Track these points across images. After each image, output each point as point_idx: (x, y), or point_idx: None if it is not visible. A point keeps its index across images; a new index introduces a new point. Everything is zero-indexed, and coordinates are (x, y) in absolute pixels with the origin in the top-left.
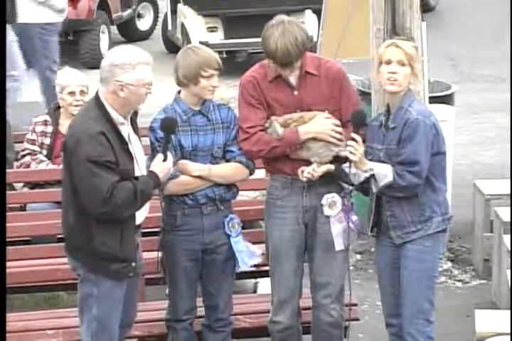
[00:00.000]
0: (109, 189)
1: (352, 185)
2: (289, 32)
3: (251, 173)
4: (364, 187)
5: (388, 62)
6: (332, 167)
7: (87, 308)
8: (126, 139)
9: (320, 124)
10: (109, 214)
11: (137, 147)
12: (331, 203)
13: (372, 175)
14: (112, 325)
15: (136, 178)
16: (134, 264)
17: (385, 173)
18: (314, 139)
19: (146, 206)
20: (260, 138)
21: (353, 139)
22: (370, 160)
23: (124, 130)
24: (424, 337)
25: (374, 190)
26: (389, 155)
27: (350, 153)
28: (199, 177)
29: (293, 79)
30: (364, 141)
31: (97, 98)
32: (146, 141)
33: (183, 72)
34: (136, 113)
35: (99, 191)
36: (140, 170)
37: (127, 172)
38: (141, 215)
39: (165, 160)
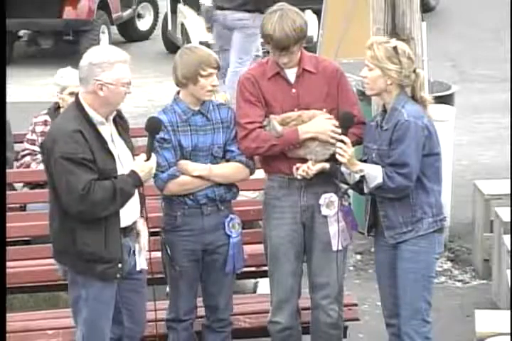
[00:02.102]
0: (86, 186)
1: (347, 184)
2: (287, 16)
3: (251, 173)
4: (360, 186)
5: None
6: (327, 165)
7: (78, 311)
8: (106, 139)
9: (320, 124)
10: (87, 212)
11: (122, 148)
12: (329, 203)
13: (363, 176)
14: (101, 327)
15: (116, 177)
16: (120, 265)
17: (375, 175)
18: (312, 138)
19: (135, 206)
20: (259, 135)
21: (342, 141)
22: (366, 160)
23: (105, 130)
24: (422, 338)
25: (365, 190)
26: (380, 156)
27: (339, 154)
28: (199, 177)
29: (291, 77)
30: (362, 141)
31: (76, 99)
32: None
33: (181, 71)
34: (121, 115)
35: (75, 189)
36: (125, 170)
37: (108, 172)
38: (129, 217)
39: (148, 160)
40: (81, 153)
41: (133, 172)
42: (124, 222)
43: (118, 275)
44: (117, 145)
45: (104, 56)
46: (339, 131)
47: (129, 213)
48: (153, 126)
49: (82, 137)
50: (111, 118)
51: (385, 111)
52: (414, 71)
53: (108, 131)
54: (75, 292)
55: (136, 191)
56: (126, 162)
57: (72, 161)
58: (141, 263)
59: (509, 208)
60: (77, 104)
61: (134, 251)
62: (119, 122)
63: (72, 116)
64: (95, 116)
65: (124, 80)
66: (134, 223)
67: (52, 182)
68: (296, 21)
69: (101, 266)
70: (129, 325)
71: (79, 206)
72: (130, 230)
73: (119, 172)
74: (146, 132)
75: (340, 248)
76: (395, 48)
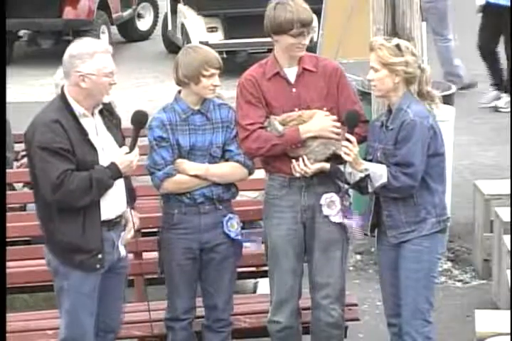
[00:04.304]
0: (60, 176)
1: (348, 183)
2: (297, 1)
3: (250, 173)
4: (360, 186)
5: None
6: (327, 166)
7: (61, 302)
8: (88, 131)
9: (320, 123)
10: (63, 201)
11: (108, 141)
12: (330, 203)
13: (368, 175)
14: (82, 318)
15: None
16: (100, 256)
17: (380, 174)
18: (313, 137)
19: (120, 200)
20: (260, 136)
21: (348, 139)
22: (371, 159)
23: (88, 122)
24: (423, 338)
25: (369, 189)
26: (386, 156)
27: (345, 153)
28: (196, 176)
29: (291, 77)
30: (364, 140)
31: (61, 91)
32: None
33: (183, 71)
34: (111, 111)
35: (50, 178)
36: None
37: (89, 164)
38: (111, 210)
39: (129, 153)
40: (58, 142)
41: (112, 164)
42: (106, 215)
43: (98, 266)
44: (102, 139)
45: (83, 47)
46: (338, 124)
47: (112, 206)
48: (138, 119)
49: (60, 127)
50: (96, 111)
51: (390, 111)
52: (419, 67)
53: (92, 123)
54: (58, 282)
55: (123, 186)
56: (110, 154)
57: (48, 151)
58: (121, 251)
59: (509, 208)
60: (61, 96)
61: (117, 246)
62: (108, 116)
63: (54, 108)
64: (78, 108)
65: (106, 70)
66: (119, 217)
67: (33, 171)
68: (304, 4)
69: (80, 256)
70: (103, 319)
71: (54, 195)
72: (114, 224)
73: (102, 164)
74: (152, 130)
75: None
76: (397, 46)
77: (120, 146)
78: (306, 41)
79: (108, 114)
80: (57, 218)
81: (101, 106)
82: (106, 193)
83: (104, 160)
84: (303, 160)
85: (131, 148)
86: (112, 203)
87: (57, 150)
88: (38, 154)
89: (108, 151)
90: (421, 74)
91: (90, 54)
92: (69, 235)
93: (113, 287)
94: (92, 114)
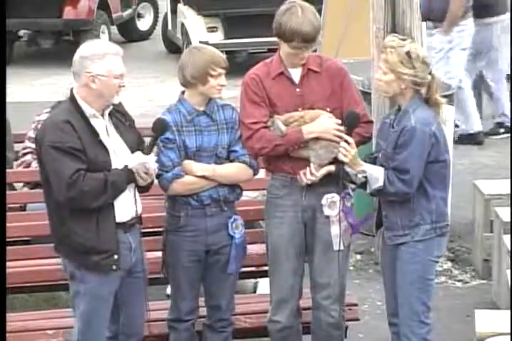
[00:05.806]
0: (73, 175)
1: (354, 183)
2: (306, 10)
3: (255, 173)
4: (365, 186)
5: None
6: (332, 168)
7: (76, 306)
8: (99, 132)
9: (324, 124)
10: (76, 201)
11: (120, 143)
12: (331, 203)
13: (366, 177)
14: (97, 323)
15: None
16: (116, 257)
17: (376, 177)
18: (316, 139)
19: (134, 203)
20: (263, 136)
21: (346, 141)
22: (376, 157)
23: (99, 123)
24: (419, 339)
25: (367, 191)
26: (386, 158)
27: (342, 154)
28: (203, 177)
29: (295, 77)
30: (368, 140)
31: (70, 93)
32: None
33: (190, 71)
34: (122, 111)
35: (63, 177)
36: (121, 164)
37: (101, 165)
38: (125, 213)
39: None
40: (68, 142)
41: (127, 168)
42: (121, 218)
43: (114, 267)
44: (114, 140)
45: (95, 49)
46: (342, 128)
47: (126, 209)
48: (159, 127)
49: (70, 127)
50: (107, 112)
51: (399, 109)
52: (430, 73)
53: (102, 124)
54: (74, 286)
55: (136, 188)
56: (121, 155)
57: (59, 150)
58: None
59: (509, 208)
60: (71, 97)
61: (134, 248)
62: (120, 118)
63: (64, 109)
64: (88, 109)
65: (117, 72)
66: (133, 219)
67: (44, 172)
68: (315, 13)
69: (95, 256)
70: (125, 322)
71: (67, 193)
72: (130, 226)
73: (115, 165)
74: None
75: (341, 248)
76: (408, 53)
77: (135, 146)
78: (306, 54)
79: (120, 115)
80: (70, 219)
81: (111, 108)
82: (120, 196)
83: (115, 162)
84: (309, 168)
85: (147, 154)
86: (127, 205)
87: (68, 150)
88: (49, 153)
89: (120, 153)
90: (431, 80)
91: (101, 55)
92: (83, 236)
93: (134, 291)
94: (102, 116)
